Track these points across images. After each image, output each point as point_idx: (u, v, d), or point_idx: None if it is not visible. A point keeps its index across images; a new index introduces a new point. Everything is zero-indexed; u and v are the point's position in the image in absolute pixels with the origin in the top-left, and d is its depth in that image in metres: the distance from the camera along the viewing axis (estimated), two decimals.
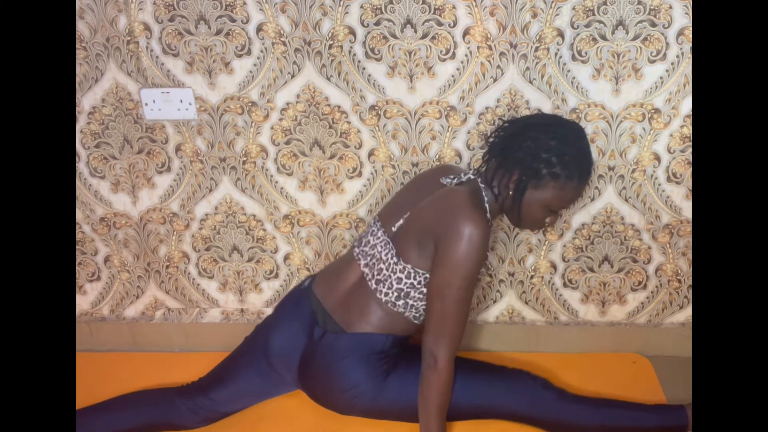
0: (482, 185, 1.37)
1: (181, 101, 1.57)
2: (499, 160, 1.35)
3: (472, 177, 1.40)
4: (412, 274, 1.34)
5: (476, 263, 1.27)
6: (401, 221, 1.39)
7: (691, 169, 1.57)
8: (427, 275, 1.33)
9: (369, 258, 1.41)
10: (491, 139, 1.39)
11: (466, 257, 1.26)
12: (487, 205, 1.35)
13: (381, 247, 1.40)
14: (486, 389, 1.43)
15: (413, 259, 1.34)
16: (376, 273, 1.39)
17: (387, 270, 1.37)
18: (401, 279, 1.35)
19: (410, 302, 1.37)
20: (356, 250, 1.46)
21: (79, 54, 1.54)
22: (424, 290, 1.35)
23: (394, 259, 1.36)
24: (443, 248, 1.28)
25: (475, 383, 1.43)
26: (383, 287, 1.37)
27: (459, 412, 1.42)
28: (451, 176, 1.42)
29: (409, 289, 1.36)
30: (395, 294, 1.37)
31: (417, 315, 1.39)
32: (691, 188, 1.59)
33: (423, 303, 1.37)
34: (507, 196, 1.34)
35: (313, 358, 1.42)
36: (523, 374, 1.47)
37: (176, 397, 1.49)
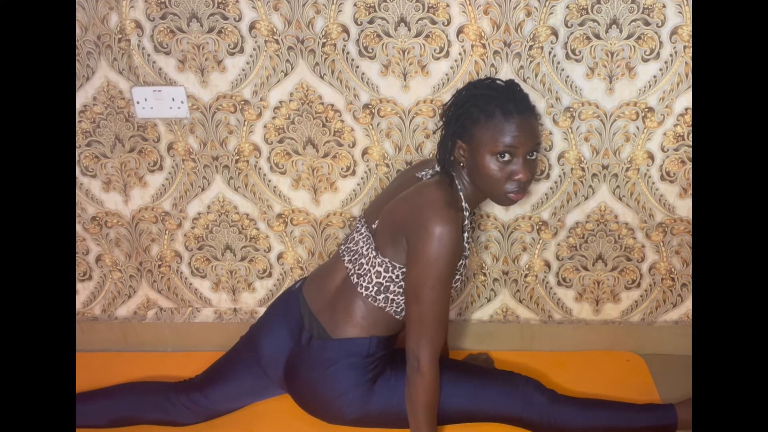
0: (454, 173, 1.35)
1: (173, 99, 1.56)
2: (443, 147, 1.35)
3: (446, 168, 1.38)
4: (390, 268, 1.34)
5: (448, 263, 1.26)
6: (380, 216, 1.39)
7: (684, 168, 1.57)
8: (405, 269, 1.33)
9: (352, 254, 1.42)
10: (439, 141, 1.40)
11: (437, 257, 1.24)
12: (461, 194, 1.34)
13: (363, 242, 1.40)
14: (477, 392, 1.42)
15: (390, 253, 1.34)
16: (357, 267, 1.39)
17: (367, 264, 1.37)
18: (380, 273, 1.35)
19: (390, 296, 1.37)
20: (342, 247, 1.47)
21: None
22: (403, 284, 1.35)
23: (373, 253, 1.36)
24: (414, 247, 1.27)
25: (467, 386, 1.42)
26: (363, 281, 1.37)
27: (450, 415, 1.42)
28: (427, 169, 1.42)
29: (388, 283, 1.35)
30: (375, 288, 1.36)
31: (398, 310, 1.39)
32: (684, 187, 1.59)
33: (403, 297, 1.37)
34: (463, 167, 1.33)
35: (299, 365, 1.42)
36: (515, 377, 1.46)
37: (171, 391, 1.49)
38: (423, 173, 1.42)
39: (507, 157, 1.26)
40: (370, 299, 1.37)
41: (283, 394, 1.53)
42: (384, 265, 1.34)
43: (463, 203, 1.35)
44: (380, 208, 1.41)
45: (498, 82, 1.33)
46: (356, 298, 1.38)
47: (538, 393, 1.43)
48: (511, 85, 1.32)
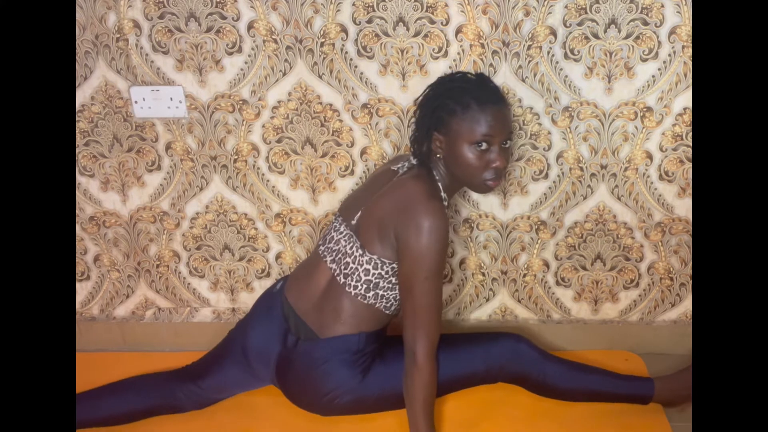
0: (431, 165, 1.39)
1: (171, 99, 1.56)
2: (419, 140, 1.39)
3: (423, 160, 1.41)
4: (379, 265, 1.35)
5: (439, 254, 1.29)
6: (359, 213, 1.40)
7: (683, 168, 1.58)
8: (394, 265, 1.35)
9: (335, 254, 1.42)
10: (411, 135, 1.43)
11: (428, 249, 1.28)
12: (440, 184, 1.37)
13: (345, 241, 1.40)
14: (466, 355, 1.46)
15: (378, 250, 1.35)
16: (343, 267, 1.39)
17: (353, 263, 1.37)
18: (369, 270, 1.36)
19: (380, 293, 1.38)
20: (321, 248, 1.47)
21: None
22: (393, 279, 1.37)
23: (360, 251, 1.36)
24: (404, 242, 1.30)
25: (452, 355, 1.45)
26: (351, 281, 1.38)
27: (450, 386, 1.46)
28: (402, 162, 1.45)
29: (377, 280, 1.36)
30: (364, 286, 1.37)
31: (388, 305, 1.40)
32: (683, 186, 1.59)
33: (393, 293, 1.39)
34: (440, 158, 1.36)
35: (289, 367, 1.43)
36: (503, 333, 1.52)
37: (171, 382, 1.52)
38: (399, 166, 1.44)
39: (484, 146, 1.31)
40: (359, 297, 1.38)
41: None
42: (372, 263, 1.35)
43: (442, 193, 1.38)
44: (357, 204, 1.42)
45: (469, 75, 1.37)
46: (344, 297, 1.39)
47: (529, 347, 1.48)
48: (482, 77, 1.37)
